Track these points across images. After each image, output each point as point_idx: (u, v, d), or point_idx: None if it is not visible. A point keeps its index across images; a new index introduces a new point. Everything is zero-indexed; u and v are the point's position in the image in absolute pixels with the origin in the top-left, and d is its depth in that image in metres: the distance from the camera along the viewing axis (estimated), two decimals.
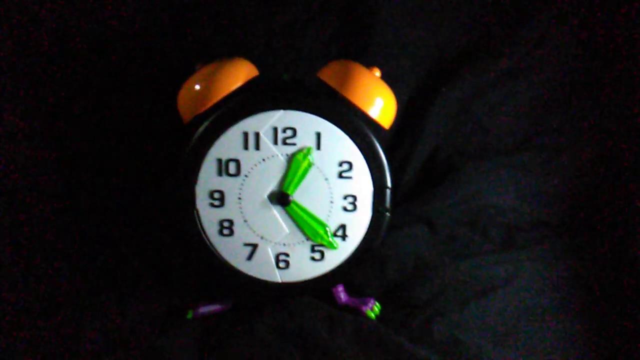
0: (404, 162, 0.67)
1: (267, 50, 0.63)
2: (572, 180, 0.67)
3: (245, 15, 0.62)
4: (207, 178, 0.51)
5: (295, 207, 0.52)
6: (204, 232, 0.52)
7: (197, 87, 0.51)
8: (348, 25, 0.64)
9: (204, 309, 0.56)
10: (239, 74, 0.52)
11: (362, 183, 0.52)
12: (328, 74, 0.52)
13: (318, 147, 0.51)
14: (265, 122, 0.51)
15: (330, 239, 0.52)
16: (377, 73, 0.53)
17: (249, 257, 0.53)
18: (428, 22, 0.66)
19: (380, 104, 0.52)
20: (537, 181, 0.66)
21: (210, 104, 0.51)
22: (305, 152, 0.51)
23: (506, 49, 0.66)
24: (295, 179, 0.51)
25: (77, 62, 0.61)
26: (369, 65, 0.53)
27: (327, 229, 0.52)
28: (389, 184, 0.52)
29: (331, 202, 0.52)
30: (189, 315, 0.55)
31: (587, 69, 0.67)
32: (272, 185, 0.52)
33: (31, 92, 0.61)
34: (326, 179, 0.52)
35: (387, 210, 0.52)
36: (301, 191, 0.52)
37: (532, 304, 0.54)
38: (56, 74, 0.62)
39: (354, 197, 0.52)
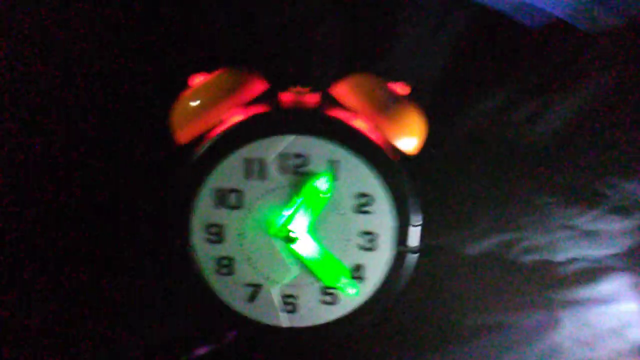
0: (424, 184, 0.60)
1: (275, 58, 0.55)
2: None
3: (251, 19, 0.54)
4: (204, 210, 0.45)
5: (305, 246, 0.45)
6: (200, 270, 0.46)
7: (194, 104, 0.44)
8: (363, 30, 0.57)
9: (198, 351, 0.50)
10: (244, 89, 0.45)
11: (383, 219, 0.45)
12: (344, 92, 0.45)
13: (333, 177, 0.44)
14: (272, 148, 0.44)
15: (346, 282, 0.46)
16: (404, 90, 0.46)
17: (251, 299, 0.47)
18: (458, 26, 0.58)
19: (406, 128, 0.45)
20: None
21: (209, 124, 0.44)
22: (320, 181, 0.44)
23: (545, 58, 0.59)
24: (307, 214, 0.44)
25: (54, 70, 0.54)
26: (392, 78, 0.46)
27: (344, 270, 0.46)
28: (414, 220, 0.45)
29: (347, 239, 0.46)
30: (185, 358, 0.49)
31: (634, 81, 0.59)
32: (279, 220, 0.45)
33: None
34: (341, 214, 0.45)
35: (411, 250, 0.46)
36: (313, 226, 0.45)
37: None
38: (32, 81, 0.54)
39: (373, 235, 0.45)
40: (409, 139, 0.46)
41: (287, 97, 0.46)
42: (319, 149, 0.44)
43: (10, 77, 0.52)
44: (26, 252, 0.54)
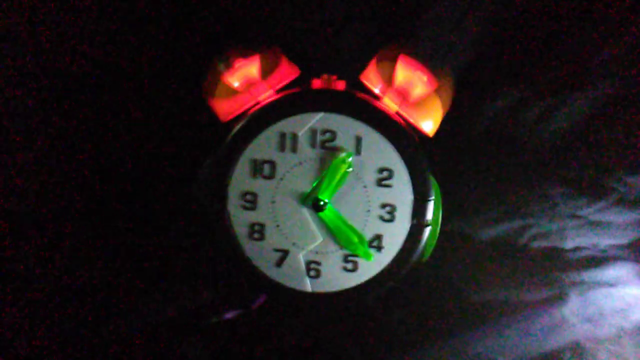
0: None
1: (306, 48, 0.61)
2: None
3: (284, 11, 0.60)
4: (241, 179, 0.50)
5: (330, 214, 0.49)
6: (234, 235, 0.50)
7: (236, 84, 0.49)
8: (391, 24, 0.62)
9: (227, 315, 0.54)
10: (277, 72, 0.50)
11: (402, 192, 0.49)
12: (370, 76, 0.50)
13: (358, 152, 0.49)
14: (303, 123, 0.49)
15: (366, 250, 0.50)
16: (424, 77, 0.51)
17: (279, 264, 0.51)
18: (477, 24, 0.62)
19: (425, 110, 0.50)
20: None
21: (246, 104, 0.49)
22: (344, 156, 0.49)
23: (559, 58, 0.63)
24: (332, 185, 0.49)
25: (97, 55, 0.59)
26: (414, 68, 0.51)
27: (363, 238, 0.50)
28: (431, 195, 0.49)
29: (368, 210, 0.50)
30: (214, 320, 0.54)
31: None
32: (307, 190, 0.50)
33: (46, 83, 0.59)
34: (364, 186, 0.50)
35: (427, 223, 0.50)
36: (337, 197, 0.49)
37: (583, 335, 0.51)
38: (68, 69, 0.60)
39: (393, 207, 0.50)
40: (427, 122, 0.50)
41: (317, 82, 0.51)
42: (345, 126, 0.49)
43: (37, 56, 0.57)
44: (71, 212, 0.58)
